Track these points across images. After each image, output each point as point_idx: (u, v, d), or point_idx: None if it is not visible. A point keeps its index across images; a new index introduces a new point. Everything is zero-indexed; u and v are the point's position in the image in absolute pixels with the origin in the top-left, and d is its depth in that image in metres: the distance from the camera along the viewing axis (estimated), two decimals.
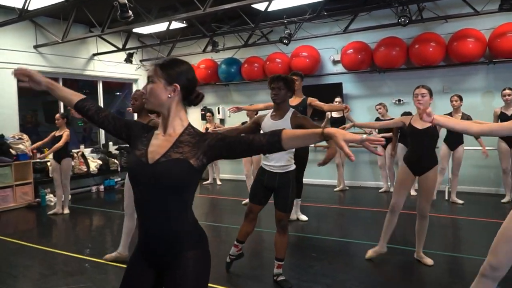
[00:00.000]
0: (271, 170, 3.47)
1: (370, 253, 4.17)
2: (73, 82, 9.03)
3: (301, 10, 7.10)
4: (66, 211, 6.73)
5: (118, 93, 10.51)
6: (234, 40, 9.10)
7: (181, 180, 1.62)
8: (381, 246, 4.13)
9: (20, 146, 7.33)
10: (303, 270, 3.93)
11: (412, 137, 3.88)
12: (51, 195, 7.61)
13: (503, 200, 6.47)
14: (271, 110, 3.66)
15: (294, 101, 5.28)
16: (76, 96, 1.87)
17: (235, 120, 9.63)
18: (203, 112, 9.89)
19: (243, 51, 9.30)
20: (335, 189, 7.99)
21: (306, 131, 1.53)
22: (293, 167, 3.55)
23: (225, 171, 9.72)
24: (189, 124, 1.74)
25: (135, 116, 4.37)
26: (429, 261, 4.00)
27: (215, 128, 8.66)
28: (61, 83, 8.59)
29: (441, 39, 7.24)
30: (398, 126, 4.33)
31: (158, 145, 1.69)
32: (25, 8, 6.20)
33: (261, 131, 3.61)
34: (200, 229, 1.75)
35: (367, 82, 8.21)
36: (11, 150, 7.19)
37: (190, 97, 1.75)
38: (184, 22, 8.06)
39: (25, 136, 7.50)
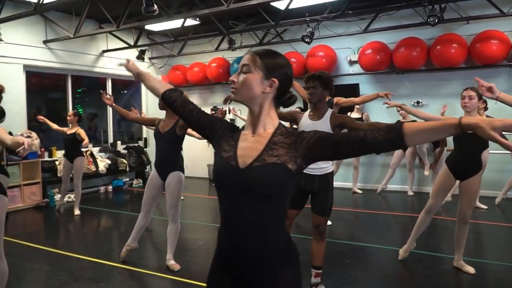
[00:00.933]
0: (309, 172, 3.27)
1: (402, 253, 4.15)
2: (79, 79, 8.79)
3: (318, 9, 6.94)
4: (77, 212, 6.50)
5: (124, 91, 10.25)
6: (247, 38, 8.89)
7: (278, 187, 1.41)
8: (410, 244, 4.08)
9: None
10: (342, 278, 3.75)
11: (457, 140, 3.71)
12: (59, 195, 7.37)
13: None
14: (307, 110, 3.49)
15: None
16: (164, 86, 1.72)
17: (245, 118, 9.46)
18: (213, 112, 9.67)
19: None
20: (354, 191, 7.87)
21: (435, 123, 1.26)
22: (332, 168, 3.38)
23: None
24: (280, 123, 1.53)
25: (164, 114, 4.20)
26: (470, 269, 3.84)
27: None
28: (69, 80, 8.36)
29: (463, 40, 7.09)
30: None
31: (249, 147, 1.48)
32: (40, 1, 5.96)
33: (299, 129, 3.44)
34: (293, 244, 1.55)
35: (385, 83, 8.03)
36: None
37: (284, 97, 1.54)
38: (198, 19, 7.86)
39: (33, 134, 7.24)
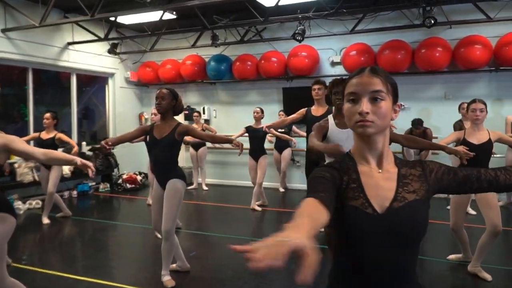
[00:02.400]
0: None
1: (452, 256, 4.19)
2: (38, 73, 7.98)
3: (305, 7, 6.70)
4: (46, 221, 5.81)
5: (86, 88, 9.47)
6: (226, 35, 8.50)
7: (424, 226, 1.22)
8: (465, 256, 4.05)
9: None
10: None
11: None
12: (19, 202, 6.62)
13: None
14: (328, 118, 3.22)
15: (318, 111, 4.81)
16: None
17: (221, 120, 9.05)
18: (187, 112, 9.18)
19: (232, 48, 8.73)
20: None
21: None
22: None
23: (209, 175, 9.06)
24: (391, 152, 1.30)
25: (157, 118, 3.73)
26: (487, 276, 3.71)
27: (202, 129, 8.00)
28: (30, 74, 7.58)
29: (447, 44, 7.11)
30: (454, 141, 3.95)
31: (379, 186, 1.22)
32: None
33: (327, 141, 3.16)
34: None
35: None
36: None
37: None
38: (174, 13, 7.37)
39: None
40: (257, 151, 6.57)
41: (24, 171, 6.87)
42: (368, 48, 7.58)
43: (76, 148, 5.83)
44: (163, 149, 3.56)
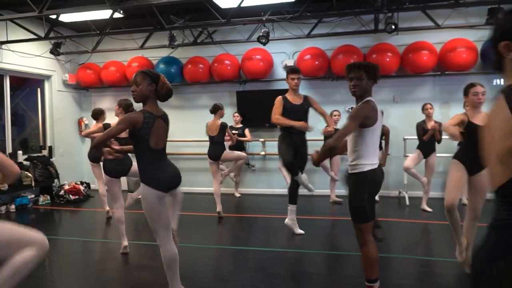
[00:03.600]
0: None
1: (459, 256, 3.89)
2: None
3: (261, 10, 6.69)
4: None
5: (15, 92, 8.57)
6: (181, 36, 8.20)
7: None
8: (461, 244, 3.82)
9: None
10: None
11: (470, 134, 3.67)
12: None
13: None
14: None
15: (295, 99, 5.00)
16: None
17: (171, 125, 8.66)
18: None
19: (181, 50, 8.44)
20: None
21: None
22: None
23: None
24: None
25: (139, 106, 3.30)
26: None
27: None
28: None
29: (396, 49, 7.44)
30: (457, 124, 3.97)
31: None
32: None
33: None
34: None
35: (320, 89, 8.07)
36: None
37: None
38: (121, 12, 6.94)
39: None
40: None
41: None
42: (322, 52, 7.71)
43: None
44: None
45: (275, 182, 8.26)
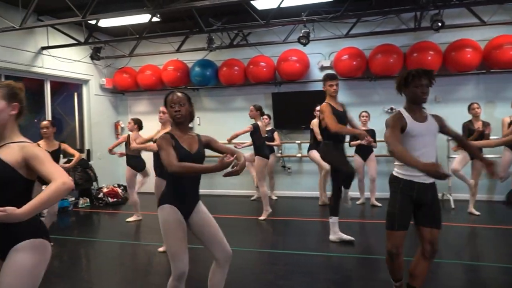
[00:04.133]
0: (423, 181, 2.81)
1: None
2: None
3: (298, 11, 6.61)
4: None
5: (53, 97, 8.75)
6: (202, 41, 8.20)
7: None
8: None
9: None
10: None
11: None
12: None
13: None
14: (397, 112, 2.96)
15: (338, 106, 4.80)
16: None
17: (206, 128, 8.66)
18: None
19: (216, 53, 8.42)
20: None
21: None
22: None
23: None
24: None
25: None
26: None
27: None
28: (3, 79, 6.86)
29: (438, 47, 7.22)
30: None
31: None
32: None
33: (407, 136, 2.83)
34: None
35: (358, 90, 7.92)
36: None
37: None
38: (158, 16, 6.97)
39: None
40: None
41: None
42: (360, 52, 7.55)
43: (77, 156, 5.28)
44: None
45: (309, 184, 8.13)
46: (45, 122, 5.22)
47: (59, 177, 1.83)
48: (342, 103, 4.97)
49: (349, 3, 5.73)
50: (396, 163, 2.94)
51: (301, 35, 6.41)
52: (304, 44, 6.57)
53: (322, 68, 8.11)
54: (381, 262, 4.39)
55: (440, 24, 5.79)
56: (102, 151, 8.95)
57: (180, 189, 2.67)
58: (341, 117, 4.71)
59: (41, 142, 5.09)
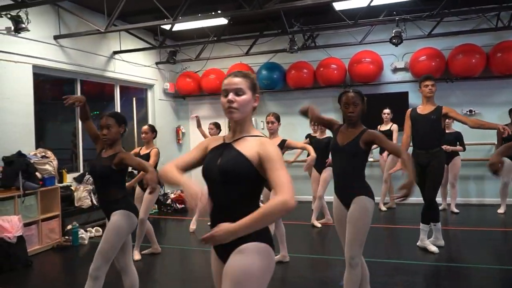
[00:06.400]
0: None
1: None
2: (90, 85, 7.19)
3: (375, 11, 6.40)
4: (137, 257, 4.84)
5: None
6: (270, 43, 8.04)
7: None
8: None
9: (47, 166, 5.48)
10: None
11: None
12: (82, 230, 5.80)
13: None
14: None
15: (425, 109, 4.58)
16: None
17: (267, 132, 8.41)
18: None
19: (281, 56, 8.23)
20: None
21: None
22: None
23: None
24: None
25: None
26: None
27: None
28: (79, 86, 6.81)
29: None
30: None
31: None
32: None
33: None
34: None
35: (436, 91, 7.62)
36: (37, 173, 5.33)
37: None
38: (229, 19, 6.83)
39: (50, 153, 5.65)
40: (320, 162, 5.93)
41: (83, 195, 6.08)
42: (438, 53, 7.27)
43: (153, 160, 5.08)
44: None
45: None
46: (145, 127, 5.08)
47: (284, 193, 1.61)
48: (441, 106, 4.64)
49: (431, 2, 5.48)
50: None
51: (393, 35, 6.17)
52: (396, 44, 6.32)
53: (395, 70, 7.86)
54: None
55: None
56: (165, 156, 8.82)
57: None
58: (419, 121, 4.53)
59: (143, 148, 4.99)
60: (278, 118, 4.60)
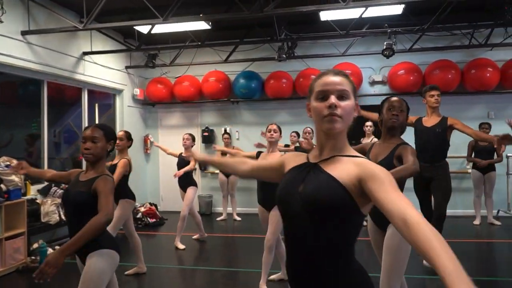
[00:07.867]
0: None
1: None
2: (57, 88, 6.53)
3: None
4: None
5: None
6: (248, 52, 7.81)
7: None
8: None
9: (13, 177, 4.84)
10: None
11: None
12: (51, 250, 5.18)
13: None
14: None
15: (429, 121, 4.50)
16: None
17: (245, 142, 8.17)
18: (207, 134, 8.25)
19: (258, 65, 8.03)
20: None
21: None
22: None
23: (239, 203, 8.06)
24: None
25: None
26: None
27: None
28: (45, 88, 6.18)
29: (495, 64, 7.19)
30: None
31: None
32: None
33: None
34: None
35: (413, 105, 7.71)
36: (1, 184, 4.68)
37: None
38: (210, 24, 6.54)
39: (15, 162, 4.99)
40: None
41: (50, 209, 5.45)
42: (416, 67, 7.40)
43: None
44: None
45: None
46: (121, 133, 4.62)
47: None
48: (446, 117, 4.61)
49: (425, 16, 5.56)
50: None
51: (384, 47, 6.16)
52: (387, 56, 6.30)
53: (373, 83, 7.91)
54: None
55: None
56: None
57: None
58: (423, 133, 4.44)
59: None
60: (280, 129, 4.26)
